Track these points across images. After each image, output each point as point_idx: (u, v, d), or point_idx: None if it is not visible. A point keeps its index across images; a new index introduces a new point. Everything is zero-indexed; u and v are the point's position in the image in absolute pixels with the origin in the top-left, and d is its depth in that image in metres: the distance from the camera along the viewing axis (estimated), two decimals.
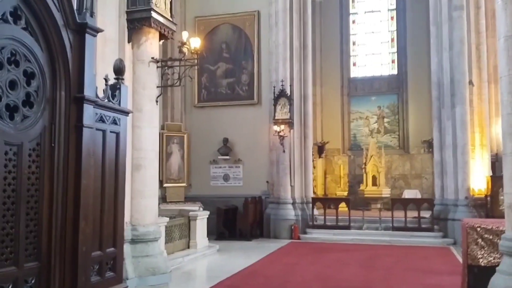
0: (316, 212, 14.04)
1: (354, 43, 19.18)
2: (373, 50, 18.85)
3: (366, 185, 16.38)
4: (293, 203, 13.60)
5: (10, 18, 2.94)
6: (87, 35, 3.41)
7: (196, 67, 5.98)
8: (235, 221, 13.66)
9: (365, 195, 16.22)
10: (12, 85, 2.96)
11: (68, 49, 3.30)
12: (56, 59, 3.25)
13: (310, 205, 13.89)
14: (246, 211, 13.30)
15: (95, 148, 3.60)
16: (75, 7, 3.39)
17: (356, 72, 19.06)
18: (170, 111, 14.86)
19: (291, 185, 13.59)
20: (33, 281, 3.07)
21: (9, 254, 2.90)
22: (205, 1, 15.01)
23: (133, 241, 5.33)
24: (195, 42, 5.81)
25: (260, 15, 14.58)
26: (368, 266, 9.42)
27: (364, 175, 16.56)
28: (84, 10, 3.41)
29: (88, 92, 3.43)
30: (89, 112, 3.46)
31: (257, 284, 7.96)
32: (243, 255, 10.93)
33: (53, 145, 3.25)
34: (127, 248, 5.09)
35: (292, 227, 13.25)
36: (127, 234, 5.12)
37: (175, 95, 14.65)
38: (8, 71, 2.92)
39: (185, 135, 14.72)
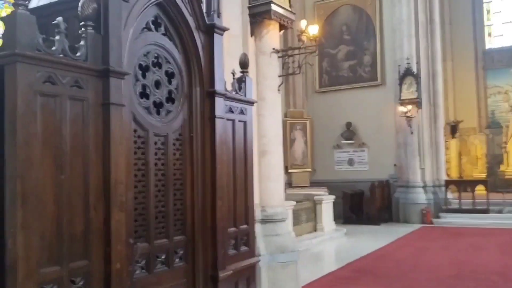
0: (450, 195, 13.32)
1: (488, 12, 17.49)
2: (511, 18, 17.01)
3: (507, 166, 14.99)
4: (424, 187, 13.08)
5: (152, 26, 3.42)
6: (215, 35, 3.79)
7: (315, 53, 6.13)
8: (362, 205, 13.59)
9: (506, 177, 14.88)
10: (157, 84, 3.45)
11: (200, 49, 3.71)
12: (191, 59, 3.68)
13: (443, 188, 13.22)
14: (373, 195, 13.15)
15: (226, 136, 3.98)
16: (204, 10, 3.78)
17: (492, 43, 17.40)
18: (292, 98, 15.21)
19: (420, 168, 13.07)
20: (181, 252, 3.56)
21: (161, 229, 3.41)
22: None
23: (263, 221, 5.72)
24: (313, 29, 5.97)
25: None
26: (508, 252, 8.75)
27: (505, 154, 15.17)
28: (212, 12, 3.79)
29: (218, 87, 3.81)
30: (220, 104, 3.84)
31: (387, 267, 7.93)
32: (371, 239, 10.90)
33: (192, 135, 3.69)
34: (258, 227, 5.47)
35: (424, 211, 12.76)
36: (257, 214, 5.51)
37: (296, 82, 14.93)
38: (153, 73, 3.41)
39: (308, 121, 14.96)
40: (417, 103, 12.79)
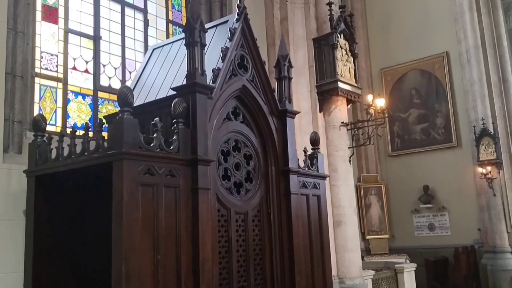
0: None
1: None
2: None
3: None
4: None
5: (232, 116, 3.85)
6: (287, 118, 4.16)
7: (384, 124, 6.30)
8: (446, 273, 12.81)
9: None
10: (237, 166, 3.81)
11: (274, 132, 4.07)
12: (266, 141, 4.03)
13: None
14: (458, 262, 12.41)
15: (301, 211, 4.20)
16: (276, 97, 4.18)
17: None
18: (365, 163, 15.12)
19: (507, 232, 12.26)
20: None
21: None
22: (389, 52, 15.27)
23: None
24: (380, 102, 6.20)
25: (449, 56, 14.12)
26: None
27: None
28: (284, 99, 4.18)
29: (291, 165, 4.11)
30: (294, 181, 4.12)
31: None
32: None
33: (269, 211, 3.96)
34: None
35: None
36: (335, 287, 5.52)
37: (368, 146, 14.86)
38: (233, 156, 3.79)
39: (382, 185, 14.72)
40: (497, 163, 12.25)
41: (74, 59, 5.05)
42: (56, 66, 4.83)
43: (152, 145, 3.04)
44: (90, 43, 5.20)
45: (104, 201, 3.53)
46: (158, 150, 3.07)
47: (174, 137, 3.21)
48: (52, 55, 4.80)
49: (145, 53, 5.57)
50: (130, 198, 2.82)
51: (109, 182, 2.90)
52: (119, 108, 3.00)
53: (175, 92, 3.51)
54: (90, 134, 3.26)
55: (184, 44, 3.50)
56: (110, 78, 5.48)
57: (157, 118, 3.16)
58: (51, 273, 3.45)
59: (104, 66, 5.40)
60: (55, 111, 4.70)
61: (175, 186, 3.12)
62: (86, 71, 5.17)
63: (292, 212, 4.02)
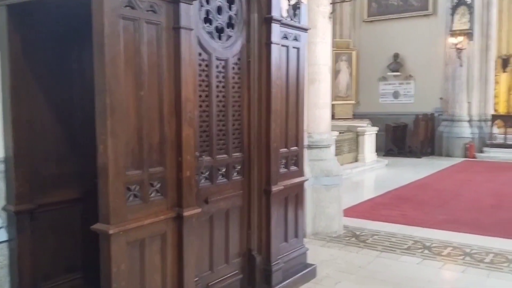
0: (495, 130, 13.18)
1: None
2: None
3: None
4: (470, 121, 12.98)
5: None
6: None
7: None
8: (405, 138, 13.67)
9: None
10: (219, 10, 3.65)
11: None
12: None
13: (490, 123, 13.06)
14: (416, 128, 13.18)
15: (281, 62, 4.19)
16: None
17: None
18: (339, 27, 14.93)
19: (468, 102, 12.90)
20: (239, 167, 3.93)
21: (222, 146, 3.77)
22: None
23: (309, 147, 6.02)
24: None
25: None
26: None
27: None
28: None
29: (274, 13, 3.97)
30: (276, 30, 4.02)
31: (427, 196, 8.20)
32: (412, 170, 11.11)
33: (249, 60, 3.93)
34: (304, 152, 5.76)
35: (467, 146, 12.77)
36: (304, 140, 5.77)
37: (344, 10, 14.57)
38: None
39: (354, 52, 14.76)
40: (468, 34, 12.37)
41: None
42: None
43: None
44: None
45: (83, 36, 3.39)
46: None
47: None
48: None
49: None
50: (111, 30, 2.69)
51: (88, 17, 2.74)
52: None
53: None
54: None
55: None
56: None
57: None
58: (31, 111, 3.42)
59: None
60: None
61: (156, 23, 2.98)
62: None
63: (272, 63, 4.00)
